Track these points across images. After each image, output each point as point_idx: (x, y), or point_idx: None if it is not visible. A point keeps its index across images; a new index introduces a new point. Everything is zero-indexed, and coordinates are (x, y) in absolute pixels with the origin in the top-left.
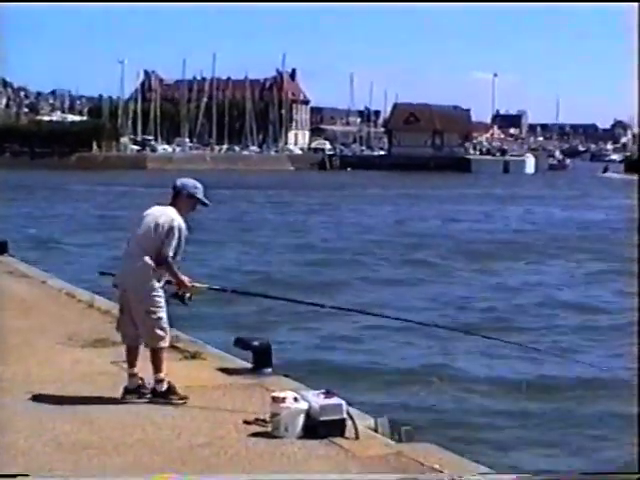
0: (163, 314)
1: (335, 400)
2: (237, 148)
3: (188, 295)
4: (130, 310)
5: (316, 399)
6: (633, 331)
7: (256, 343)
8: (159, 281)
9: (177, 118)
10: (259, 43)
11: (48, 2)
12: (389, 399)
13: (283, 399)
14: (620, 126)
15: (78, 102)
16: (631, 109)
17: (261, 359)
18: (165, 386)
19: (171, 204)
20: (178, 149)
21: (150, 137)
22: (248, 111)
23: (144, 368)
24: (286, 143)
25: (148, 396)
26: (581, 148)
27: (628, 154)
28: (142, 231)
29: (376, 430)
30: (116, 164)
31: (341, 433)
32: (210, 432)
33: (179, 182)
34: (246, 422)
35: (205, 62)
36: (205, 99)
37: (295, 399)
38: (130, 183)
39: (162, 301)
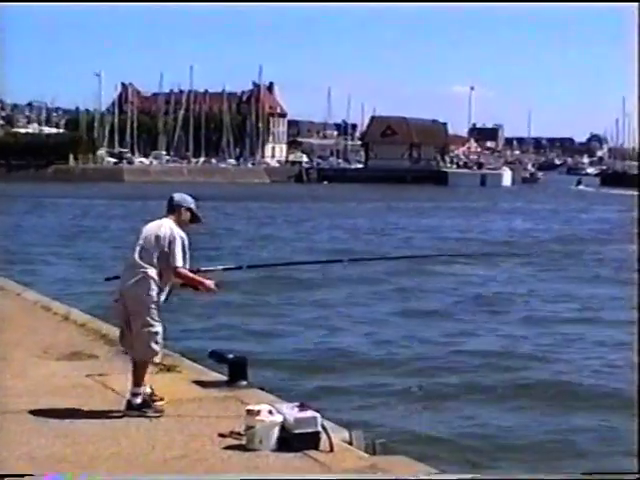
0: (159, 329)
1: (309, 413)
2: (214, 161)
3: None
4: (129, 322)
5: (291, 412)
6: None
7: (231, 356)
8: (160, 294)
9: (154, 131)
10: (236, 56)
11: (24, 7)
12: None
13: (258, 412)
14: (596, 140)
15: (55, 114)
16: (607, 123)
17: (236, 372)
18: (140, 399)
19: (167, 217)
20: (155, 162)
21: (125, 150)
22: (225, 124)
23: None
24: (263, 156)
25: (159, 403)
26: (557, 161)
27: (604, 167)
28: (143, 244)
29: (351, 443)
30: (93, 177)
31: (315, 446)
32: (185, 445)
33: (177, 196)
34: (221, 435)
35: (182, 75)
36: (182, 112)
37: (270, 412)
38: (107, 195)
39: (159, 315)
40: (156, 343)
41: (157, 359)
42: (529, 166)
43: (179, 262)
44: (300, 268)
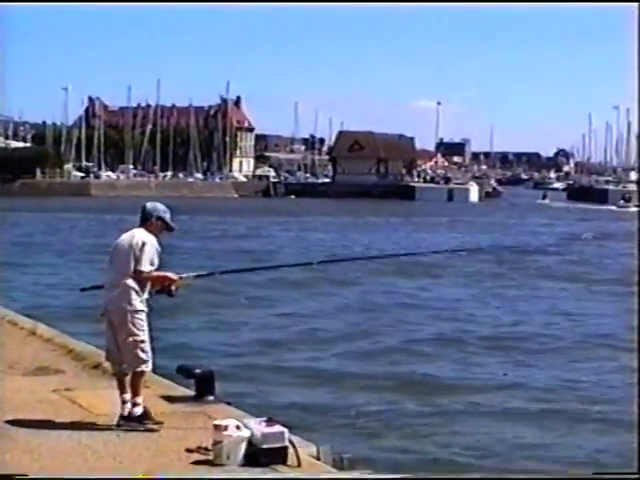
0: (145, 337)
1: (277, 428)
2: (181, 175)
3: (174, 287)
4: (115, 335)
5: (258, 427)
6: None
7: (198, 371)
8: (142, 303)
9: (121, 145)
10: (203, 70)
11: None
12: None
13: (225, 427)
14: (562, 155)
15: (22, 128)
16: (573, 138)
17: (204, 387)
18: (140, 410)
19: (140, 226)
20: (122, 176)
21: (91, 164)
22: (192, 138)
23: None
24: (231, 170)
25: (121, 422)
26: (524, 176)
27: (570, 182)
28: (118, 257)
29: (318, 458)
30: (60, 191)
31: (283, 461)
32: (152, 460)
33: (149, 205)
34: (188, 450)
35: (149, 89)
36: (149, 126)
37: (237, 427)
38: (75, 209)
39: (144, 324)
40: (143, 351)
41: (146, 367)
42: (492, 181)
43: (142, 266)
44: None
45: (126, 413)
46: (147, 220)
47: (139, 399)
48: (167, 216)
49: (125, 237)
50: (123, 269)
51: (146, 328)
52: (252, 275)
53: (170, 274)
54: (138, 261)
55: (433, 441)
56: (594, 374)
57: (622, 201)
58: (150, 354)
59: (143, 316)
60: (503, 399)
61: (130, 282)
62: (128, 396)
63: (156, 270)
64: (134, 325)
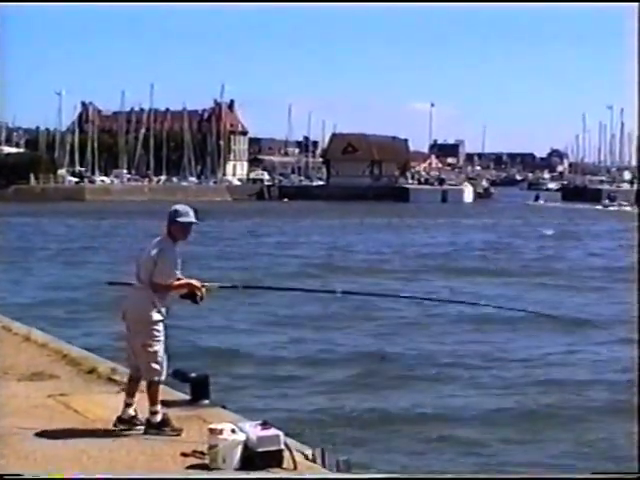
0: (159, 347)
1: (272, 431)
2: (175, 179)
3: (199, 295)
4: (130, 341)
5: (253, 430)
6: None
7: (194, 375)
8: (160, 313)
9: (115, 149)
10: (197, 74)
11: None
12: None
13: (220, 431)
14: (556, 155)
15: (15, 134)
16: (567, 138)
17: (199, 391)
18: (159, 418)
19: (168, 232)
20: (116, 181)
21: (83, 169)
22: (186, 142)
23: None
24: (224, 174)
25: (140, 427)
26: (518, 177)
27: (565, 182)
28: (140, 264)
29: (314, 460)
30: (54, 196)
31: (279, 464)
32: (147, 465)
33: (172, 209)
34: (183, 454)
35: (143, 93)
36: (143, 130)
37: (232, 431)
38: (69, 214)
39: (160, 335)
40: (156, 362)
41: (159, 377)
42: (483, 182)
43: (157, 278)
44: None
45: (126, 417)
46: (169, 226)
47: (157, 407)
48: (182, 217)
49: (151, 243)
50: (142, 276)
51: (162, 338)
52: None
53: (194, 281)
54: (154, 272)
55: (428, 443)
56: None
57: (607, 200)
58: (164, 364)
59: (159, 327)
60: (495, 401)
61: (147, 292)
62: (132, 401)
63: (178, 277)
64: (148, 335)
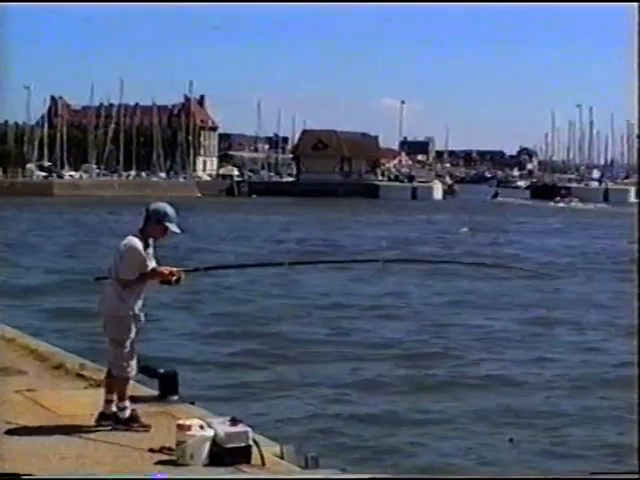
0: (128, 343)
1: (241, 427)
2: (144, 175)
3: (174, 278)
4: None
5: (222, 427)
6: None
7: (162, 371)
8: (129, 308)
9: (84, 144)
10: (166, 69)
11: None
12: None
13: (189, 427)
14: (526, 153)
15: None
16: (536, 136)
17: (167, 387)
18: (128, 413)
19: (141, 228)
20: (85, 175)
21: (49, 163)
22: (156, 138)
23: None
24: (194, 170)
25: (102, 421)
26: (488, 175)
27: (534, 180)
28: (113, 260)
29: (282, 457)
30: (22, 190)
31: (247, 460)
32: (115, 461)
33: (151, 207)
34: (151, 450)
35: (112, 88)
36: (113, 125)
37: (201, 427)
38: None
39: (129, 330)
40: (122, 358)
41: (127, 373)
42: (447, 179)
43: (122, 274)
44: None
45: (108, 412)
46: (146, 222)
47: (125, 403)
48: (167, 219)
49: (122, 240)
50: (112, 273)
51: (131, 335)
52: None
53: (161, 269)
54: (120, 268)
55: (398, 441)
56: None
57: (559, 197)
58: (134, 360)
59: (129, 322)
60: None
61: (115, 287)
62: (113, 397)
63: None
64: (117, 330)
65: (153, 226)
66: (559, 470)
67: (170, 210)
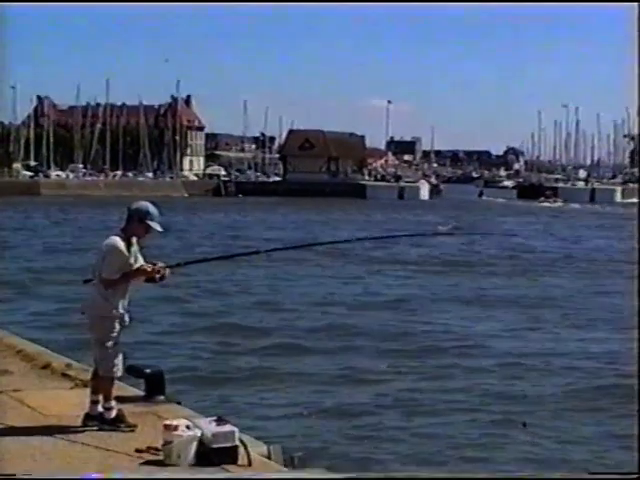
0: (112, 343)
1: (227, 427)
2: (131, 174)
3: (159, 276)
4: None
5: (208, 426)
6: None
7: (148, 371)
8: (114, 308)
9: (71, 144)
10: (153, 69)
11: None
12: None
13: (175, 427)
14: (512, 153)
15: None
16: (523, 136)
17: (154, 387)
18: (114, 414)
19: (123, 228)
20: (72, 175)
21: (35, 163)
22: (142, 137)
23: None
24: (181, 169)
25: (88, 421)
26: (475, 174)
27: (520, 180)
28: (96, 260)
29: (269, 457)
30: (8, 190)
31: (234, 460)
32: (102, 461)
33: (133, 206)
34: (138, 450)
35: (99, 88)
36: (99, 125)
37: (187, 427)
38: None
39: (114, 330)
40: (109, 358)
41: (112, 373)
42: (432, 179)
43: (104, 273)
44: None
45: (94, 413)
46: (129, 221)
47: (111, 403)
48: (150, 218)
49: (104, 241)
50: (96, 273)
51: (115, 334)
52: None
53: (144, 267)
54: (103, 268)
55: (385, 440)
56: None
57: (543, 197)
58: (119, 360)
59: (113, 322)
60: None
61: (99, 287)
62: (98, 398)
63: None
64: (102, 331)
65: (135, 225)
66: (559, 470)
67: (152, 209)
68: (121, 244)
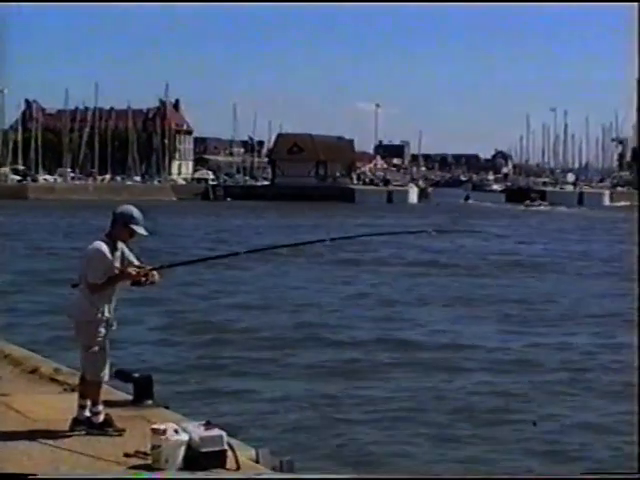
0: (96, 348)
1: (216, 432)
2: (119, 178)
3: (143, 280)
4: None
5: (197, 431)
6: None
7: (137, 375)
8: (100, 312)
9: (59, 148)
10: (142, 73)
11: None
12: None
13: (163, 431)
14: (501, 156)
15: None
16: (511, 140)
17: (142, 391)
18: (102, 418)
19: (108, 232)
20: (60, 179)
21: (23, 167)
22: (131, 141)
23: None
24: (170, 173)
25: (75, 427)
26: (463, 178)
27: (509, 184)
28: (81, 265)
29: (257, 461)
30: None
31: (222, 464)
32: (90, 465)
33: (117, 210)
34: (126, 454)
35: (88, 92)
36: (88, 129)
37: (176, 431)
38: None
39: (100, 335)
40: (93, 362)
41: (99, 377)
42: (420, 182)
43: (90, 278)
44: None
45: (82, 418)
46: (114, 225)
47: (99, 407)
48: (134, 222)
49: (89, 246)
50: (81, 277)
51: (101, 338)
52: None
53: (130, 270)
54: (88, 272)
55: (372, 443)
56: None
57: (528, 201)
58: (106, 364)
59: (99, 326)
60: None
61: (84, 292)
62: (86, 402)
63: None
64: (88, 335)
65: (120, 229)
66: (559, 470)
67: (137, 213)
68: (105, 248)
